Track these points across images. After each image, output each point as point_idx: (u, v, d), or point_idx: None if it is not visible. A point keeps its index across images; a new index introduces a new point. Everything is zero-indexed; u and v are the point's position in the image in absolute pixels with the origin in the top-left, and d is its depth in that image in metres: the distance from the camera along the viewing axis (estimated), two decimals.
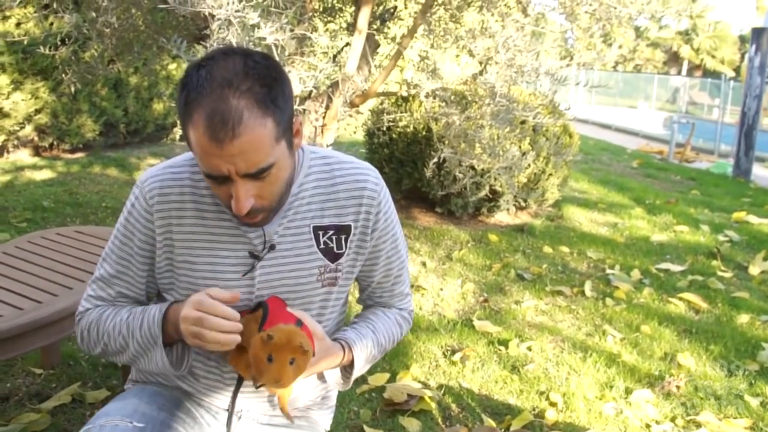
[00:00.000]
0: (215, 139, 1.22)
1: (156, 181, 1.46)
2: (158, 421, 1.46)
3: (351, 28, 4.35)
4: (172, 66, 9.15)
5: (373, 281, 1.65)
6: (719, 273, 5.27)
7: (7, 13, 6.68)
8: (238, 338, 1.32)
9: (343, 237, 1.52)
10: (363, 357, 1.56)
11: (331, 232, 1.51)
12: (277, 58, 3.00)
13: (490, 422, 2.91)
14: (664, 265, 5.38)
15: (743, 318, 4.32)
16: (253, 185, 1.30)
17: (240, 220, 1.39)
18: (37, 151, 7.79)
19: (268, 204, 1.36)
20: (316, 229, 1.50)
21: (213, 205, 1.46)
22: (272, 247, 1.47)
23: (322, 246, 1.51)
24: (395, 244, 1.62)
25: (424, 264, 5.02)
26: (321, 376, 1.59)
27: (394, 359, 3.42)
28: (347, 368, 1.57)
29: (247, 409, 1.60)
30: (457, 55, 4.56)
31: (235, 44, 2.94)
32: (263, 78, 1.26)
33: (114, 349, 1.50)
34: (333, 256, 1.52)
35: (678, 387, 3.35)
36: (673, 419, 3.08)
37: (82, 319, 1.54)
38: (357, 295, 1.73)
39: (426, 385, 3.20)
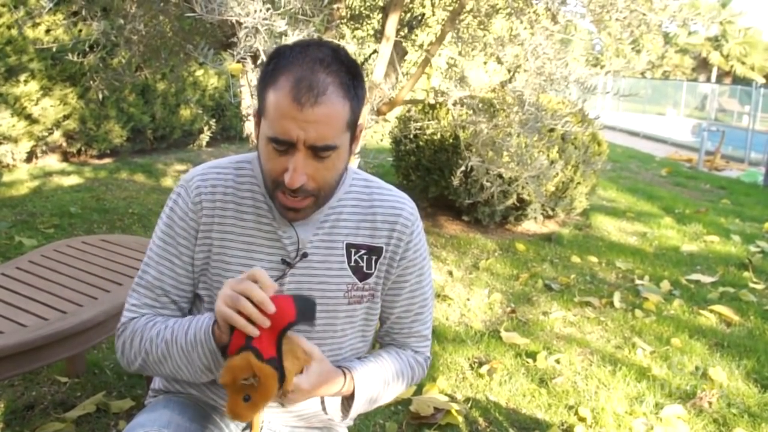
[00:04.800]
0: (297, 101, 1.27)
1: (201, 179, 1.50)
2: (192, 429, 1.47)
3: (378, 35, 4.33)
4: (199, 72, 9.20)
5: (393, 314, 1.63)
6: (751, 285, 5.18)
7: (37, 20, 6.74)
8: (256, 331, 1.25)
9: (373, 258, 1.53)
10: (365, 386, 1.53)
11: (363, 251, 1.52)
12: None
13: None
14: (694, 276, 5.29)
15: None
16: (311, 164, 1.33)
17: (284, 209, 1.40)
18: (65, 156, 7.85)
19: (317, 188, 1.37)
20: (349, 247, 1.52)
21: (253, 208, 1.49)
22: (304, 255, 1.48)
23: (352, 264, 1.52)
24: (420, 279, 1.62)
25: (450, 273, 4.98)
26: (322, 406, 1.56)
27: None
28: (348, 400, 1.55)
29: (268, 421, 1.60)
30: (485, 62, 4.52)
31: (262, 52, 2.93)
32: (350, 67, 1.34)
33: (155, 357, 1.45)
34: (362, 276, 1.53)
35: (710, 403, 3.27)
36: None
37: (125, 330, 1.50)
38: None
39: (453, 398, 3.15)
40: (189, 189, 1.49)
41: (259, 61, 3.06)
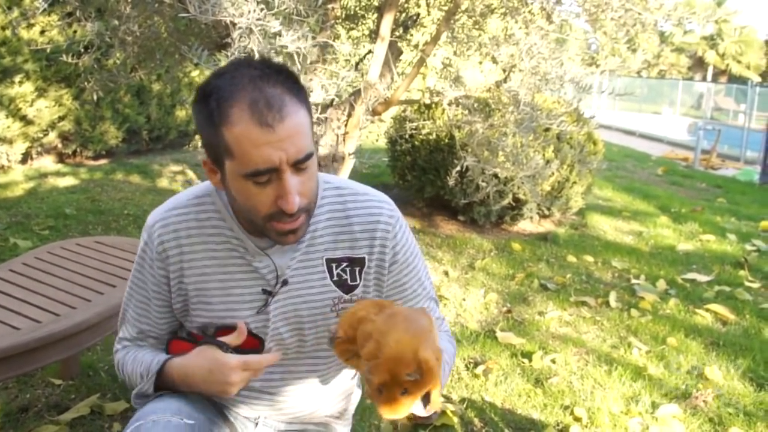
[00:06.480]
0: (265, 124, 1.23)
1: (162, 225, 1.47)
2: (201, 420, 1.47)
3: (373, 35, 4.32)
4: (195, 73, 9.17)
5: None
6: (747, 283, 5.18)
7: (32, 21, 6.72)
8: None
9: (357, 269, 1.51)
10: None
11: (345, 264, 1.50)
12: (299, 66, 2.98)
13: None
14: (690, 275, 5.29)
15: None
16: (298, 180, 1.30)
17: (283, 234, 1.37)
18: (60, 157, 7.84)
19: (308, 202, 1.35)
20: (329, 262, 1.49)
21: (221, 245, 1.46)
22: (285, 282, 1.46)
23: (335, 278, 1.50)
24: (418, 277, 1.60)
25: (446, 273, 4.97)
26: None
27: None
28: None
29: (265, 416, 1.62)
30: (480, 62, 4.52)
31: (256, 52, 2.92)
32: (286, 73, 1.30)
33: (137, 391, 1.53)
34: (347, 288, 1.51)
35: (706, 402, 3.27)
36: None
37: (114, 357, 1.63)
38: None
39: (448, 399, 3.15)
40: (152, 237, 1.47)
41: None
